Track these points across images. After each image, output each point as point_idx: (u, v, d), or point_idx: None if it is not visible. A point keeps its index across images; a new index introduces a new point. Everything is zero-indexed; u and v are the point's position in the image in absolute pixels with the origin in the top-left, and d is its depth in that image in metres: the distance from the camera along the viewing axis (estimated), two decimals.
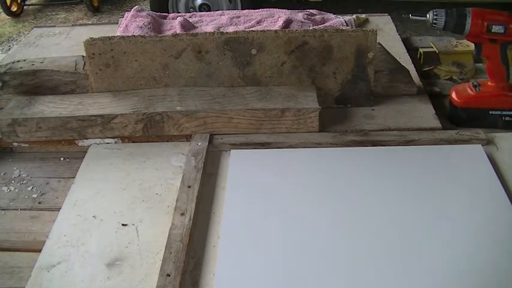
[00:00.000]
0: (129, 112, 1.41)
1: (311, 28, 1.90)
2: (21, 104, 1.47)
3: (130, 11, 2.13)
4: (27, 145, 1.51)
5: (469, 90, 1.46)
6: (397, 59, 1.64)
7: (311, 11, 2.20)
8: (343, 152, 1.36)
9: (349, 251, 1.08)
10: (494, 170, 1.26)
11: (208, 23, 2.15)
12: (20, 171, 1.44)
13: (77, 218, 1.21)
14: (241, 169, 1.32)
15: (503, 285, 1.00)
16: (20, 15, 4.61)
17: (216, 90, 1.49)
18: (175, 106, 1.42)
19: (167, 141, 1.46)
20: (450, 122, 1.49)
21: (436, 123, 1.44)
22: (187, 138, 1.44)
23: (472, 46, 1.45)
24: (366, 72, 1.49)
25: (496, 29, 1.34)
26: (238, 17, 2.20)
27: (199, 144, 1.39)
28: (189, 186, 1.24)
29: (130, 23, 2.02)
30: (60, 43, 2.10)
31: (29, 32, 2.27)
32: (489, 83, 1.44)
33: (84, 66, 1.52)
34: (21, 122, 1.41)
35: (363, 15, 2.20)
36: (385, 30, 2.08)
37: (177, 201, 1.20)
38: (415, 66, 1.73)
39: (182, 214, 1.16)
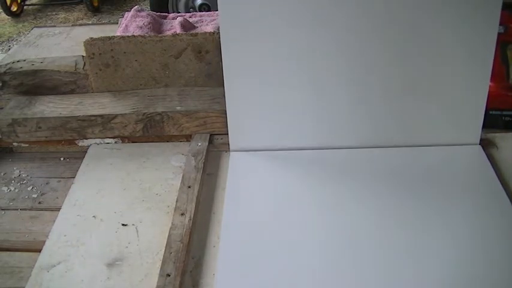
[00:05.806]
0: (129, 112, 1.42)
1: None
2: (21, 104, 1.47)
3: (130, 11, 2.13)
4: (27, 145, 1.51)
5: None
6: None
7: None
8: (343, 152, 1.36)
9: (349, 251, 1.08)
10: (494, 170, 1.26)
11: (208, 23, 2.15)
12: (20, 171, 1.44)
13: (77, 218, 1.21)
14: (241, 169, 1.32)
15: (503, 286, 1.00)
16: (20, 15, 4.62)
17: (216, 90, 1.49)
18: (175, 106, 1.42)
19: (167, 141, 1.46)
20: None
21: None
22: (187, 138, 1.44)
23: None
24: None
25: None
26: None
27: (199, 144, 1.38)
28: (189, 187, 1.24)
29: (130, 23, 2.02)
30: (60, 43, 2.10)
31: (29, 32, 2.27)
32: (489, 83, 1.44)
33: (84, 66, 1.52)
34: (21, 122, 1.41)
35: None
36: None
37: (177, 201, 1.20)
38: None
39: (182, 214, 1.15)
